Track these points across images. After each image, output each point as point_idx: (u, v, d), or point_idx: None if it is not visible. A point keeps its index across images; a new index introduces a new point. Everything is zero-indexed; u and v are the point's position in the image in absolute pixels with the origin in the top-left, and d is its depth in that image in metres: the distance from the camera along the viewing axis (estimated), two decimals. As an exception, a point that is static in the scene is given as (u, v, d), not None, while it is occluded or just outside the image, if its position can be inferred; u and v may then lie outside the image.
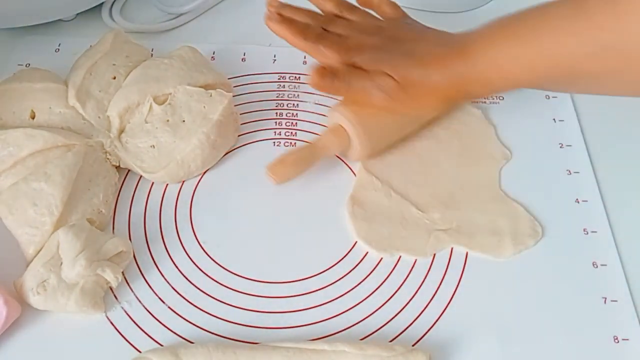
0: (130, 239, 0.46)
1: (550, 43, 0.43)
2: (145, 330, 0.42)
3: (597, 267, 0.46)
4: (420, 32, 0.51)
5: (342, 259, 0.46)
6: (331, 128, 0.49)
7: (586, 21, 0.41)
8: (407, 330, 0.43)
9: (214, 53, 0.59)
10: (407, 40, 0.49)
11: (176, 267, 0.45)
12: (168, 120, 0.49)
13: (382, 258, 0.46)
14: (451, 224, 0.47)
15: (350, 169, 0.51)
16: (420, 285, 0.45)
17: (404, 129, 0.51)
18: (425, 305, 0.44)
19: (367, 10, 0.53)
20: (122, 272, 0.43)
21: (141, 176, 0.49)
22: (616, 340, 0.42)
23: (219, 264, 0.45)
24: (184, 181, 0.50)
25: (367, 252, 0.46)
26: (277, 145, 0.52)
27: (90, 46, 0.54)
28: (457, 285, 0.45)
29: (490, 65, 0.45)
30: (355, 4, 0.53)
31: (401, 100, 0.47)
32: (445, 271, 0.45)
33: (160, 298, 0.44)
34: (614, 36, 0.39)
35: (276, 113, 0.55)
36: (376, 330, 0.43)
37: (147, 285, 0.44)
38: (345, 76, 0.48)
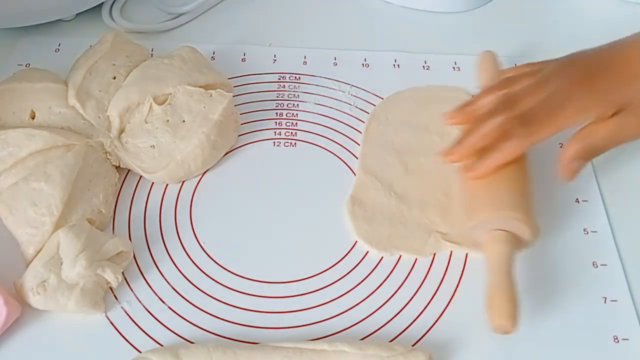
0: (130, 239, 0.46)
1: None
2: (145, 330, 0.42)
3: (597, 267, 0.46)
4: (611, 45, 0.46)
5: (342, 258, 0.46)
6: (493, 239, 0.42)
7: None
8: (407, 330, 0.43)
9: (214, 53, 0.59)
10: (611, 58, 0.44)
11: (176, 267, 0.45)
12: (168, 120, 0.49)
13: (382, 258, 0.46)
14: (452, 228, 0.47)
15: (351, 169, 0.51)
16: (420, 285, 0.45)
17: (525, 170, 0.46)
18: (425, 305, 0.44)
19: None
20: (122, 272, 0.43)
21: (141, 176, 0.49)
22: (616, 340, 0.42)
23: (219, 264, 0.45)
24: (184, 181, 0.50)
25: (367, 252, 0.46)
26: (277, 145, 0.52)
27: (90, 46, 0.54)
28: (457, 285, 0.45)
29: None
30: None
31: None
32: (445, 271, 0.45)
33: (160, 298, 0.44)
34: None
35: (276, 113, 0.55)
36: (376, 330, 0.43)
37: (147, 285, 0.44)
38: (592, 137, 0.43)
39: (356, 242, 0.47)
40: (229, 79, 0.55)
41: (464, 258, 0.46)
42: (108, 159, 0.49)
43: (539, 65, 0.47)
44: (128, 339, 0.41)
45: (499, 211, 0.42)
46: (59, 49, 0.58)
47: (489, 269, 0.41)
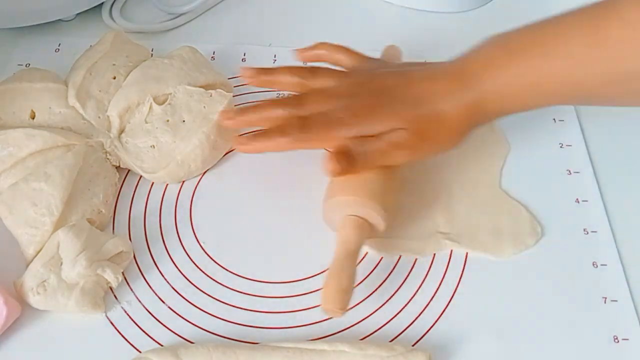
0: (130, 239, 0.46)
1: (564, 70, 0.40)
2: (145, 330, 0.42)
3: (597, 267, 0.46)
4: (403, 71, 0.47)
5: (342, 259, 0.46)
6: (345, 223, 0.43)
7: (606, 49, 0.39)
8: (407, 330, 0.43)
9: (214, 53, 0.59)
10: (396, 85, 0.45)
11: (176, 267, 0.45)
12: (168, 121, 0.49)
13: (382, 258, 0.46)
14: (452, 227, 0.47)
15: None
16: (420, 285, 0.45)
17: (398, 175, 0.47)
18: (425, 305, 0.44)
19: (328, 66, 0.48)
20: (122, 272, 0.43)
21: (141, 176, 0.49)
22: (616, 340, 0.42)
23: (218, 264, 0.45)
24: (184, 181, 0.50)
25: (367, 252, 0.46)
26: (277, 145, 0.52)
27: (90, 46, 0.54)
28: (457, 285, 0.45)
29: (498, 92, 0.42)
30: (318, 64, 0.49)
31: (419, 147, 0.44)
32: (445, 271, 0.45)
33: (160, 298, 0.43)
34: (638, 63, 0.38)
35: (276, 113, 0.55)
36: (376, 330, 0.43)
37: (147, 285, 0.44)
38: (359, 150, 0.43)
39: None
40: (229, 79, 0.55)
41: (464, 258, 0.46)
42: (108, 159, 0.49)
43: (345, 59, 0.49)
44: (128, 339, 0.41)
45: (352, 196, 0.43)
46: (59, 49, 0.58)
47: (336, 250, 0.42)
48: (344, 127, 0.43)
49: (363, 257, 0.46)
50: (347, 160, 0.42)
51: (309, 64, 0.51)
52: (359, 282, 0.45)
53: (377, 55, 0.53)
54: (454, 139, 0.44)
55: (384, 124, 0.43)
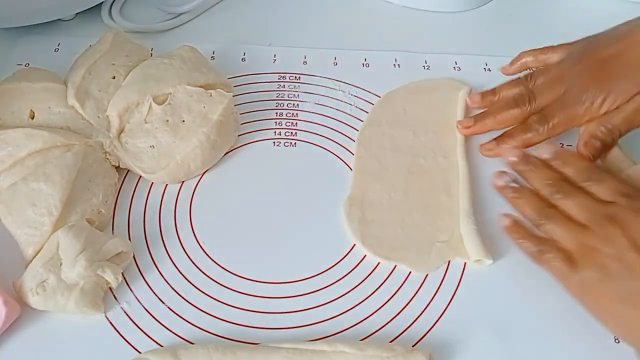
0: (129, 239, 0.46)
1: None
2: (145, 331, 0.42)
3: (597, 267, 0.46)
4: (617, 37, 0.47)
5: (342, 259, 0.46)
6: None
7: None
8: (407, 331, 0.42)
9: (213, 53, 0.59)
10: (617, 51, 0.46)
11: (176, 267, 0.45)
12: (168, 120, 0.49)
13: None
14: (452, 233, 0.47)
15: (351, 169, 0.51)
16: (421, 285, 0.45)
17: None
18: (425, 306, 0.44)
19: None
20: (122, 273, 0.43)
21: (141, 176, 0.49)
22: (616, 340, 0.42)
23: (218, 264, 0.45)
24: (183, 181, 0.50)
25: (365, 255, 0.46)
26: (277, 145, 0.52)
27: (90, 46, 0.54)
28: (457, 286, 0.45)
29: None
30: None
31: None
32: (446, 271, 0.45)
33: (159, 298, 0.43)
34: None
35: (276, 113, 0.55)
36: (376, 331, 0.42)
37: (146, 285, 0.44)
38: (607, 128, 0.46)
39: (356, 243, 0.47)
40: (229, 78, 0.55)
41: (463, 262, 0.46)
42: (107, 159, 0.49)
43: (553, 55, 0.51)
44: (128, 340, 0.41)
45: None
46: (58, 49, 0.58)
47: None
48: (581, 107, 0.46)
49: (363, 258, 0.46)
50: (598, 144, 0.45)
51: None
52: (359, 282, 0.45)
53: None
54: None
55: (625, 91, 0.45)
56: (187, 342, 0.41)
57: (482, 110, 0.52)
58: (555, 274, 0.40)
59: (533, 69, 0.53)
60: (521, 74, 0.52)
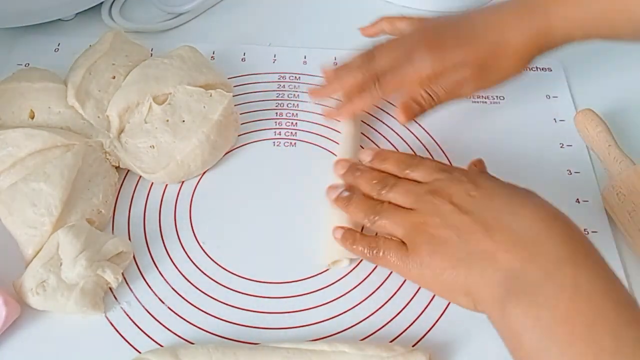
0: (129, 239, 0.46)
1: (635, 2, 0.42)
2: (145, 331, 0.42)
3: (597, 267, 0.46)
4: (462, 14, 0.49)
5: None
6: None
7: None
8: (407, 331, 0.42)
9: (213, 53, 0.59)
10: (459, 25, 0.48)
11: (176, 267, 0.45)
12: (168, 120, 0.49)
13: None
14: None
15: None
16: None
17: None
18: (425, 306, 0.44)
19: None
20: (122, 273, 0.43)
21: (141, 176, 0.49)
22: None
23: (218, 264, 0.45)
24: (183, 181, 0.50)
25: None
26: (277, 145, 0.52)
27: (90, 46, 0.54)
28: (457, 286, 0.45)
29: (567, 22, 0.45)
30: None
31: (484, 78, 0.47)
32: (446, 271, 0.45)
33: (159, 298, 0.43)
34: None
35: (276, 113, 0.55)
36: (376, 331, 0.42)
37: (146, 285, 0.44)
38: (428, 91, 0.47)
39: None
40: (228, 78, 0.55)
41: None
42: (107, 159, 0.49)
43: (407, 26, 0.52)
44: (128, 340, 0.41)
45: None
46: (58, 49, 0.58)
47: None
48: (411, 68, 0.47)
49: (362, 259, 0.46)
50: (416, 108, 0.47)
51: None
52: (359, 282, 0.45)
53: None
54: (518, 66, 0.47)
55: (451, 59, 0.46)
56: (187, 342, 0.41)
57: None
58: (393, 268, 0.41)
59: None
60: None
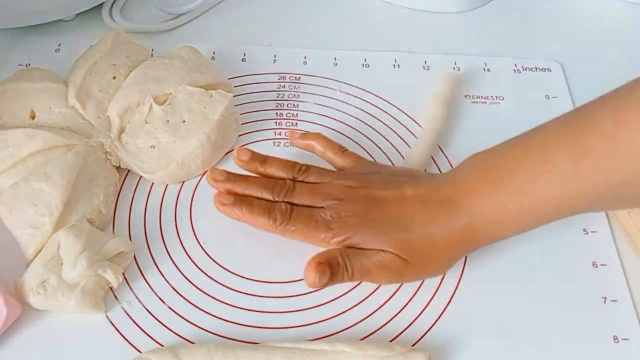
0: (130, 239, 0.46)
1: (553, 189, 0.38)
2: (146, 331, 0.42)
3: (597, 267, 0.46)
4: (397, 183, 0.44)
5: (342, 259, 0.46)
6: None
7: (590, 164, 0.37)
8: (407, 330, 0.43)
9: (214, 53, 0.59)
10: (388, 200, 0.43)
11: (176, 267, 0.45)
12: (168, 121, 0.49)
13: None
14: None
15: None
16: (420, 285, 0.45)
17: None
18: (425, 305, 0.44)
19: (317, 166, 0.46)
20: (123, 272, 0.43)
21: (141, 176, 0.49)
22: (616, 340, 0.42)
23: (219, 264, 0.45)
24: (184, 181, 0.50)
25: (367, 252, 0.46)
26: (277, 145, 0.52)
27: (91, 46, 0.54)
28: (457, 285, 0.45)
29: (487, 220, 0.41)
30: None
31: (405, 272, 0.42)
32: (445, 271, 0.45)
33: (160, 298, 0.43)
34: (625, 175, 0.36)
35: (276, 113, 0.55)
36: (376, 330, 0.43)
37: (147, 285, 0.44)
38: (343, 260, 0.41)
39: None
40: (229, 79, 0.55)
41: (464, 258, 0.46)
42: (108, 159, 0.49)
43: (340, 160, 0.47)
44: (128, 339, 0.41)
45: None
46: (59, 49, 0.58)
47: None
48: (329, 232, 0.42)
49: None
50: (330, 272, 0.41)
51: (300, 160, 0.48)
52: (359, 282, 0.45)
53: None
54: (443, 265, 0.43)
55: (371, 242, 0.41)
56: (187, 342, 0.41)
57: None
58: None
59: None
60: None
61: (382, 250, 0.41)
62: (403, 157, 0.52)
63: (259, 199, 0.44)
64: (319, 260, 0.41)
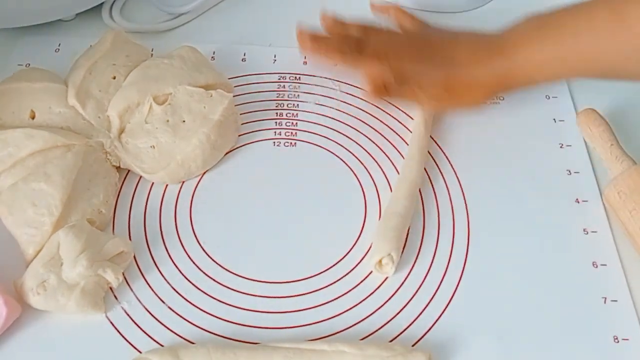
0: (130, 239, 0.46)
1: (588, 46, 0.46)
2: (145, 331, 0.42)
3: (597, 267, 0.46)
4: (452, 36, 0.52)
5: (342, 258, 0.46)
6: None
7: (624, 27, 0.44)
8: (407, 330, 0.43)
9: (214, 53, 0.59)
10: (442, 46, 0.51)
11: (176, 267, 0.45)
12: (168, 121, 0.49)
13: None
14: None
15: (350, 169, 0.51)
16: (420, 285, 0.45)
17: None
18: (425, 305, 0.44)
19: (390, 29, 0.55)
20: (122, 273, 0.43)
21: (141, 176, 0.49)
22: (616, 340, 0.42)
23: (219, 264, 0.45)
24: (184, 181, 0.50)
25: (367, 252, 0.46)
26: (277, 145, 0.52)
27: (90, 46, 0.54)
28: (457, 285, 0.45)
29: (529, 63, 0.48)
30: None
31: (446, 101, 0.51)
32: (445, 271, 0.45)
33: (160, 298, 0.43)
34: None
35: (276, 113, 0.55)
36: (376, 330, 0.43)
37: (147, 285, 0.44)
38: (396, 84, 0.50)
39: (356, 242, 0.47)
40: (229, 79, 0.55)
41: (464, 258, 0.46)
42: (108, 159, 0.49)
43: (410, 24, 0.55)
44: (128, 339, 0.41)
45: None
46: (59, 49, 0.58)
47: None
48: (388, 61, 0.50)
49: (363, 257, 0.46)
50: (384, 89, 0.50)
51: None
52: (359, 281, 0.45)
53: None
54: (479, 101, 0.52)
55: (423, 72, 0.50)
56: (187, 342, 0.41)
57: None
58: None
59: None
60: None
61: (431, 80, 0.50)
62: (403, 157, 0.52)
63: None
64: (373, 77, 0.51)
